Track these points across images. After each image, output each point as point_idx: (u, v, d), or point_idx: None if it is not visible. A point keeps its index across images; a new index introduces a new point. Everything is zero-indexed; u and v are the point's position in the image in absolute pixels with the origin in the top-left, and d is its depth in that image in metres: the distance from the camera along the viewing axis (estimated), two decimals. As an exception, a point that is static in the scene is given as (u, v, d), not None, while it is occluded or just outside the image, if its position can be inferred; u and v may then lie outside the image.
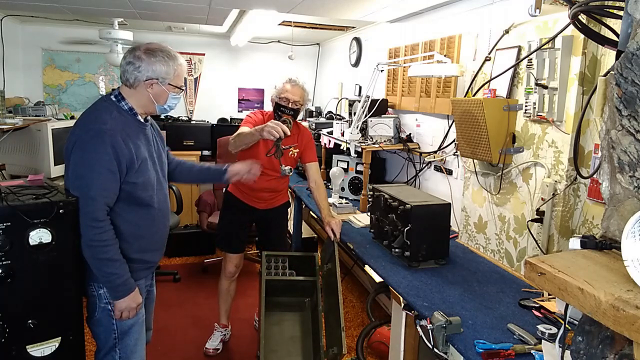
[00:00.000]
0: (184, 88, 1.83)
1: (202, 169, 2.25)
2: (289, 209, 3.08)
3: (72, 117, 4.37)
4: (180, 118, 5.33)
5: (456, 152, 2.71)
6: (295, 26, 4.34)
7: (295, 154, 2.75)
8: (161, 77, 1.72)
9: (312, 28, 4.52)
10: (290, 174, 2.24)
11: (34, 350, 1.67)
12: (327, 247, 2.55)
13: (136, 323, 1.84)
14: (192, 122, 5.32)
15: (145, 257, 1.86)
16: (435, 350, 1.57)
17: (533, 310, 1.73)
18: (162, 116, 4.82)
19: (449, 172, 2.86)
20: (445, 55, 2.57)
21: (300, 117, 5.73)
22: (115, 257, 1.69)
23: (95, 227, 1.63)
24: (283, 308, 2.50)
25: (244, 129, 2.52)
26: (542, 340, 1.49)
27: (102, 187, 1.63)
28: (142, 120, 1.79)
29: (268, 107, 5.78)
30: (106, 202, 1.65)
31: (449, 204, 2.19)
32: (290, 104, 2.59)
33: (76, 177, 1.65)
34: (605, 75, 1.07)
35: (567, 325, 1.13)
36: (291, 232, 4.15)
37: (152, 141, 1.87)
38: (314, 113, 5.26)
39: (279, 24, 4.16)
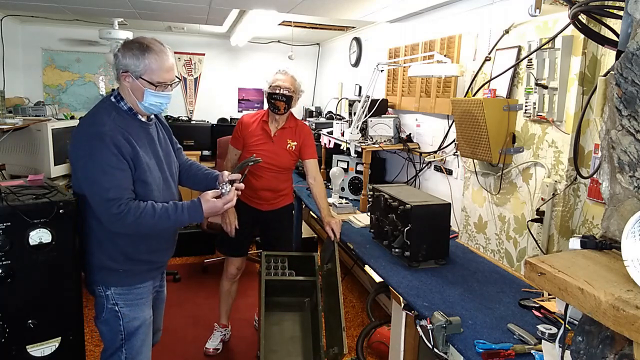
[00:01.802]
0: (160, 85, 1.70)
1: (204, 175, 2.06)
2: (293, 211, 3.06)
3: (72, 117, 4.36)
4: (180, 118, 5.33)
5: (456, 152, 2.71)
6: (295, 26, 4.34)
7: (294, 147, 2.72)
8: (131, 69, 1.66)
9: (312, 28, 4.52)
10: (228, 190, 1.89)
11: (34, 350, 1.68)
12: (327, 247, 2.55)
13: (143, 324, 1.84)
14: (192, 122, 5.33)
15: (153, 258, 1.86)
16: (435, 350, 1.57)
17: (533, 310, 1.73)
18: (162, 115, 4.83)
19: (449, 172, 2.86)
20: (445, 55, 2.57)
21: (300, 117, 5.74)
22: (160, 213, 1.68)
23: (123, 217, 1.61)
24: (283, 308, 2.49)
25: (231, 151, 2.78)
26: (542, 340, 1.49)
27: (119, 186, 1.62)
28: (143, 119, 1.77)
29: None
30: (127, 196, 1.64)
31: (449, 204, 2.19)
32: (281, 90, 2.61)
33: (91, 184, 1.63)
34: (605, 75, 1.07)
35: (567, 325, 1.13)
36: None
37: (158, 140, 1.84)
38: (314, 113, 5.26)
39: (279, 24, 4.16)
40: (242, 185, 1.92)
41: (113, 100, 1.72)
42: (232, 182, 1.88)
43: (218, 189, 1.84)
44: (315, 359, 2.31)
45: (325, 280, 2.44)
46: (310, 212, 3.55)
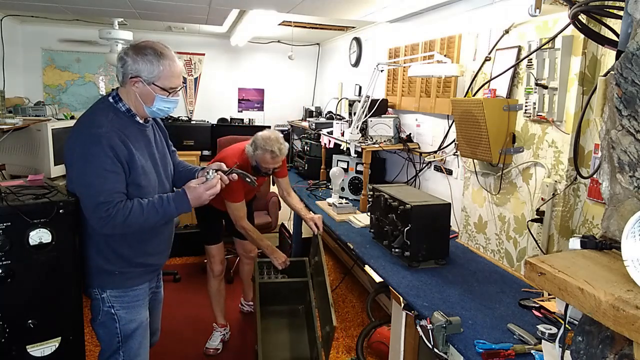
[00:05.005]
0: (172, 91, 1.71)
1: (187, 171, 2.06)
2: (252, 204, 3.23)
3: (72, 117, 4.35)
4: (180, 118, 5.33)
5: (456, 152, 2.71)
6: (295, 26, 4.34)
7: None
8: (144, 75, 1.64)
9: (312, 28, 4.52)
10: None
11: (34, 350, 1.67)
12: (313, 242, 2.67)
13: (140, 326, 1.83)
14: (192, 122, 5.33)
15: (150, 261, 1.85)
16: (435, 350, 1.57)
17: (533, 310, 1.73)
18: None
19: (449, 172, 2.86)
20: (445, 55, 2.57)
21: (300, 117, 5.73)
22: (148, 208, 1.66)
23: (112, 219, 1.60)
24: (277, 315, 2.58)
25: (240, 207, 2.66)
26: (542, 340, 1.49)
27: (111, 189, 1.61)
28: (141, 121, 1.76)
29: (268, 107, 5.80)
30: (117, 199, 1.62)
31: (449, 204, 2.19)
32: (270, 170, 2.70)
33: (84, 186, 1.62)
34: (605, 75, 1.06)
35: (567, 325, 1.13)
36: (291, 232, 4.16)
37: (154, 142, 1.83)
38: (314, 113, 5.26)
39: (279, 24, 4.16)
40: (235, 177, 1.93)
41: (111, 100, 1.70)
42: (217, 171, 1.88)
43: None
44: (312, 355, 2.33)
45: (315, 272, 2.51)
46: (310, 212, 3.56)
